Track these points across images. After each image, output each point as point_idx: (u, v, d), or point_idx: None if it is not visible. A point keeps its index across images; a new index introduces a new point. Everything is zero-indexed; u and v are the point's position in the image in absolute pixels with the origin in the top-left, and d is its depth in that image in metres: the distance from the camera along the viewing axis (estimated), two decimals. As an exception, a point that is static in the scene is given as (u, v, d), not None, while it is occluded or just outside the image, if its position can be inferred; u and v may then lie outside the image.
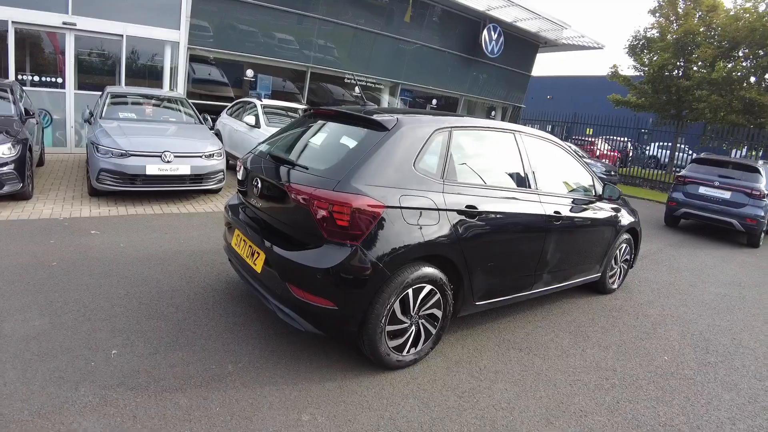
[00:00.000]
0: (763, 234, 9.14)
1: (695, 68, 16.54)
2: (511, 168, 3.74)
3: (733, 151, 16.15)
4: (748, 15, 15.28)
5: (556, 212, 3.91)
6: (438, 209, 3.00)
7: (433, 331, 3.18)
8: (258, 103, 8.46)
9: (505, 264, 3.60)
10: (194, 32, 10.06)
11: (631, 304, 4.93)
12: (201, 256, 4.63)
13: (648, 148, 20.14)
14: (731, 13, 16.00)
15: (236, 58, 11.15)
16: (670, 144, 18.99)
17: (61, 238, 4.68)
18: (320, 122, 3.61)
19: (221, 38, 10.64)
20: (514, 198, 3.59)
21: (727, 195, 9.20)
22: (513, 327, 3.99)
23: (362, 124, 3.16)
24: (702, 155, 10.56)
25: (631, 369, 3.53)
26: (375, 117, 3.09)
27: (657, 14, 17.98)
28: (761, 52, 15.38)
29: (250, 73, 11.53)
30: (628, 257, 5.37)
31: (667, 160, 18.78)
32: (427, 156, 3.08)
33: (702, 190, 9.52)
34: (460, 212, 3.12)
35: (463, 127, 3.41)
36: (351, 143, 3.09)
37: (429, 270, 2.96)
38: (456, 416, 2.71)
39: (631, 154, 20.18)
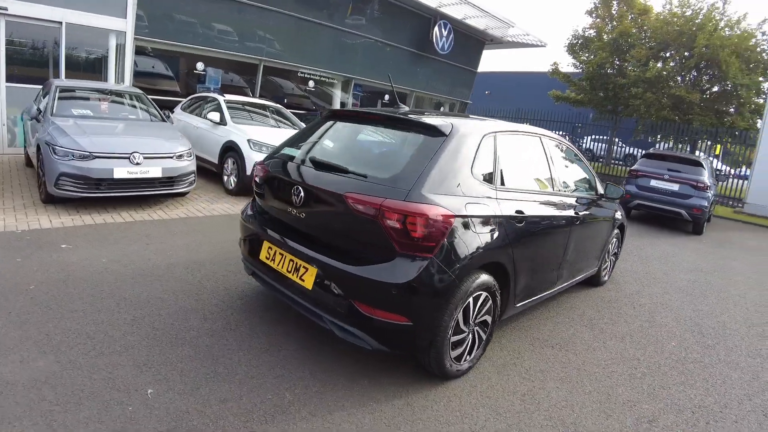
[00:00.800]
0: (705, 222, 10.06)
1: (630, 67, 17.81)
2: (542, 171, 3.84)
3: (662, 144, 17.62)
4: (676, 19, 16.70)
5: (576, 212, 4.05)
6: (495, 216, 3.00)
7: (484, 337, 3.17)
8: (221, 98, 8.00)
9: (539, 265, 3.68)
10: (141, 22, 9.29)
11: (624, 295, 5.22)
12: (198, 268, 4.28)
13: (583, 141, 21.57)
14: (661, 17, 17.44)
15: (186, 50, 10.45)
16: (603, 137, 20.49)
17: (29, 255, 4.12)
18: (359, 125, 3.50)
19: (170, 29, 9.92)
20: (549, 201, 3.71)
21: (675, 187, 9.99)
22: (536, 325, 4.10)
23: (416, 130, 3.08)
24: (651, 150, 11.38)
25: (650, 357, 3.77)
26: (430, 122, 3.02)
27: (594, 15, 19.19)
28: (686, 54, 16.89)
29: (200, 66, 10.86)
30: (617, 251, 5.69)
31: (602, 152, 20.20)
32: (481, 161, 3.06)
33: (653, 183, 10.26)
34: (511, 218, 3.14)
35: (504, 131, 3.42)
36: (409, 149, 2.98)
37: (486, 277, 2.94)
38: (528, 420, 2.73)
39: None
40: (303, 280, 2.88)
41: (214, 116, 7.57)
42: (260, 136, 7.19)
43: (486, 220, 2.92)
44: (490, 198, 3.01)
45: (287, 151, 3.49)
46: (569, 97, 20.44)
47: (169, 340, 3.06)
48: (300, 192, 2.97)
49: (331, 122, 3.58)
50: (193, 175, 6.26)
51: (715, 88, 17.42)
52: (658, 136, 17.27)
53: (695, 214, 9.81)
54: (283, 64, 12.27)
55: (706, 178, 9.98)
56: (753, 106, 16.14)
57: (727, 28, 15.97)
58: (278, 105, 9.29)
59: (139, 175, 5.55)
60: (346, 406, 2.63)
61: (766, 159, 13.16)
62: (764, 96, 16.35)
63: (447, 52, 15.96)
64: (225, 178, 7.46)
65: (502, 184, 3.19)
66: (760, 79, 16.31)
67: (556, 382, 3.19)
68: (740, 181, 14.98)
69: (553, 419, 2.77)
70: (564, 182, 4.12)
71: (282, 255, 3.06)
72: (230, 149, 7.32)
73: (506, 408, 2.82)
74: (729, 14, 16.75)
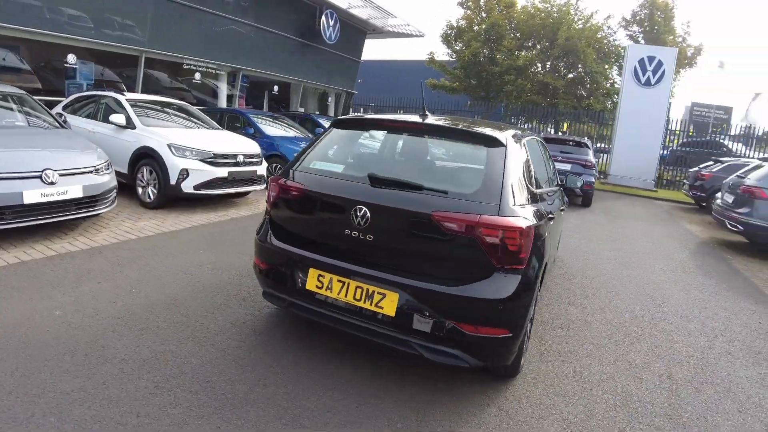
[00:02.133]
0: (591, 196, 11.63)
1: (501, 56, 19.56)
2: (543, 169, 4.17)
3: (526, 125, 19.81)
4: (539, 13, 18.79)
5: (561, 203, 4.47)
6: (546, 218, 3.21)
7: (530, 330, 3.36)
8: (122, 98, 6.96)
9: (549, 257, 3.98)
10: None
11: (576, 270, 5.87)
12: (182, 304, 3.72)
13: None
14: (527, 10, 19.45)
15: (51, 39, 8.80)
16: None
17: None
18: (401, 136, 3.42)
19: (31, 13, 8.27)
20: (554, 196, 4.03)
21: (568, 167, 11.32)
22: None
23: (472, 140, 3.15)
24: (542, 135, 12.68)
25: (631, 322, 4.40)
26: (488, 132, 3.08)
27: (464, 7, 20.64)
28: (547, 43, 19.09)
29: (72, 58, 9.25)
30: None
31: None
32: (528, 168, 3.25)
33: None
34: (548, 219, 3.37)
35: (524, 136, 3.62)
36: (475, 161, 3.06)
37: None
38: (591, 396, 3.02)
39: None
40: (381, 307, 2.71)
41: (118, 119, 6.57)
42: (182, 140, 6.45)
43: (545, 224, 3.12)
44: (537, 202, 3.20)
45: (322, 165, 3.23)
46: (445, 85, 21.82)
47: (236, 412, 2.55)
48: (365, 212, 2.76)
49: (360, 131, 3.48)
50: (114, 191, 5.40)
51: (571, 75, 20.01)
52: (522, 118, 19.36)
53: (586, 189, 11.26)
54: (167, 55, 11.07)
55: (591, 157, 11.50)
56: (604, 90, 18.94)
57: (581, 22, 18.47)
58: (184, 102, 8.40)
59: (56, 197, 4.61)
60: (453, 426, 2.60)
61: (622, 137, 15.53)
62: (611, 81, 19.31)
63: (334, 42, 15.86)
64: (140, 190, 6.56)
65: (538, 187, 3.42)
66: (605, 66, 19.15)
67: (586, 359, 3.56)
68: (603, 156, 17.56)
69: (608, 391, 3.11)
70: (551, 177, 4.51)
71: (343, 282, 2.82)
72: (145, 156, 6.44)
73: (569, 390, 3.09)
74: (581, 9, 19.38)
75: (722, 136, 18.93)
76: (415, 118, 3.34)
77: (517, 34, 19.44)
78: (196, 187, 6.38)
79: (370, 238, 2.78)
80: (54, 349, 2.93)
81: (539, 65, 19.98)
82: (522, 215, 2.73)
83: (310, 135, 10.39)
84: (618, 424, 2.79)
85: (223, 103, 13.20)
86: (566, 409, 2.87)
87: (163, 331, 3.27)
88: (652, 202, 13.79)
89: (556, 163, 11.11)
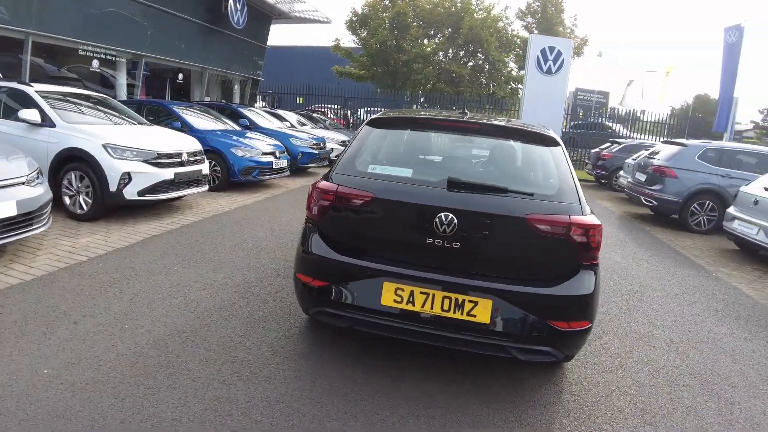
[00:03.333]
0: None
1: (408, 45, 19.79)
2: None
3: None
4: (444, 2, 19.25)
5: None
6: None
7: None
8: (29, 89, 5.79)
9: None
10: None
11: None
12: (201, 339, 3.19)
13: (358, 114, 23.40)
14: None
15: None
16: (376, 109, 22.65)
17: None
18: (455, 135, 3.39)
19: None
20: None
21: (492, 152, 11.85)
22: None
23: (531, 140, 3.19)
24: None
25: (625, 301, 4.72)
26: (543, 132, 3.19)
27: (368, -7, 20.47)
28: (449, 32, 19.68)
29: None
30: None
31: None
32: None
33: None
34: None
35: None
36: (543, 161, 3.12)
37: None
38: (636, 371, 3.20)
39: (351, 120, 22.91)
40: (474, 316, 2.63)
41: (30, 115, 5.46)
42: (120, 139, 5.57)
43: None
44: None
45: (383, 169, 3.02)
46: (352, 72, 21.64)
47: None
48: (452, 219, 2.63)
49: (402, 130, 3.33)
50: (50, 204, 4.51)
51: (471, 63, 20.91)
52: (425, 105, 19.89)
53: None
54: (59, 39, 9.48)
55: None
56: (504, 78, 20.06)
57: (482, 12, 19.29)
58: (103, 95, 7.27)
59: (-15, 218, 3.73)
60: (550, 416, 2.61)
61: (527, 121, 16.55)
62: (509, 69, 20.50)
63: (242, 27, 14.85)
64: (67, 199, 5.57)
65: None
66: (503, 54, 20.28)
67: (603, 334, 3.84)
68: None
69: (638, 361, 3.48)
70: None
71: (427, 294, 2.66)
72: (72, 159, 5.47)
73: (609, 366, 3.38)
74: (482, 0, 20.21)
75: (602, 119, 21.08)
76: (459, 116, 3.26)
77: (422, 23, 19.80)
78: (140, 193, 5.57)
79: (456, 245, 2.68)
80: (73, 422, 2.31)
81: (444, 53, 20.57)
82: (592, 213, 2.85)
83: (236, 127, 9.65)
84: (663, 389, 3.12)
85: (122, 95, 11.73)
86: (620, 384, 3.11)
87: (195, 372, 2.78)
88: (559, 182, 15.02)
89: (482, 149, 11.73)
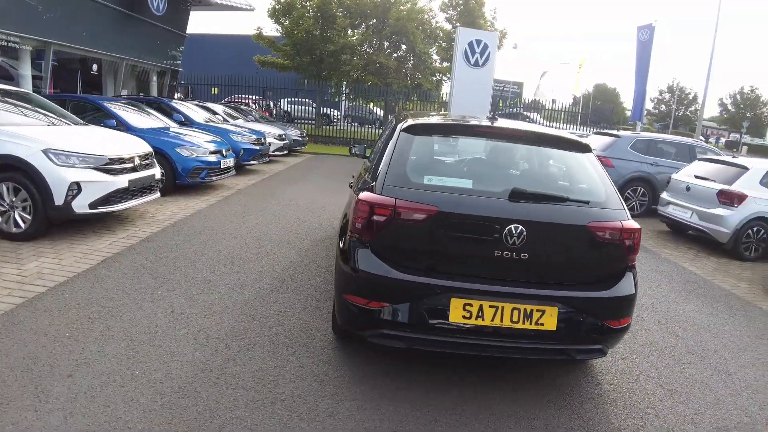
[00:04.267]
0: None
1: (334, 35, 19.24)
2: None
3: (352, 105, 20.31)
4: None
5: None
6: None
7: None
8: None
9: None
10: None
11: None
12: (241, 379, 2.80)
13: (279, 103, 22.57)
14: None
15: None
16: (305, 99, 21.97)
17: None
18: (493, 142, 3.24)
19: None
20: None
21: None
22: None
23: (567, 146, 3.19)
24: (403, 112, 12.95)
25: None
26: (577, 138, 3.23)
27: (292, -18, 19.53)
28: (375, 23, 19.41)
29: None
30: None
31: (303, 114, 21.56)
32: None
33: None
34: None
35: None
36: (586, 168, 3.11)
37: None
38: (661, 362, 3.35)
39: (274, 111, 22.04)
40: (542, 324, 2.64)
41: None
42: (62, 143, 4.74)
43: None
44: None
45: (440, 181, 2.87)
46: (275, 62, 20.71)
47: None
48: (521, 230, 2.60)
49: (440, 137, 3.25)
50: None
51: (395, 54, 20.84)
52: (351, 96, 19.62)
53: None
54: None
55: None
56: (430, 70, 20.21)
57: (408, 3, 19.19)
58: (25, 90, 6.16)
59: None
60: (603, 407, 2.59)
61: (456, 113, 16.81)
62: (433, 61, 20.70)
63: (162, 14, 13.54)
64: (-1, 217, 4.67)
65: None
66: (427, 46, 20.44)
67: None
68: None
69: (645, 344, 3.76)
70: None
71: (496, 307, 2.60)
72: (4, 169, 4.57)
73: (626, 352, 3.59)
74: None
75: (517, 109, 22.11)
76: (492, 122, 3.17)
77: (348, 13, 19.32)
78: (92, 205, 4.80)
79: (525, 256, 2.66)
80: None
81: (371, 44, 20.29)
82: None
83: (172, 123, 8.75)
84: (675, 368, 3.43)
85: (27, 89, 10.17)
86: (641, 368, 3.37)
87: (249, 420, 2.39)
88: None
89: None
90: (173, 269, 4.34)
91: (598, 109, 26.12)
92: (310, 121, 21.72)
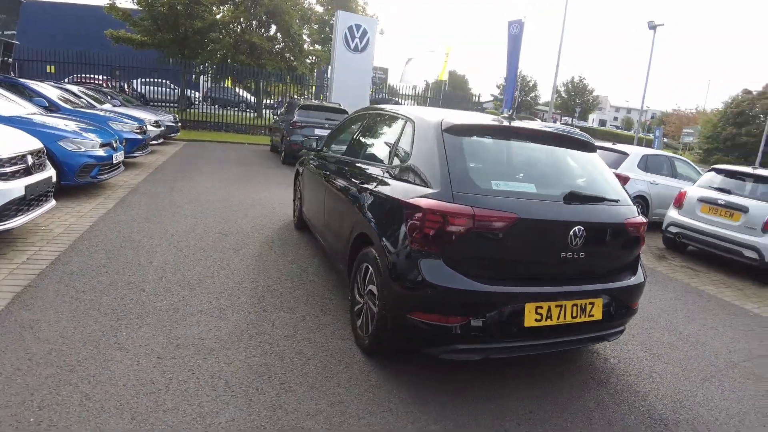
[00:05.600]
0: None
1: (202, 11, 17.20)
2: None
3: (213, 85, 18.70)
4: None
5: None
6: None
7: None
8: None
9: None
10: None
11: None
12: None
13: (133, 84, 19.78)
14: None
15: None
16: (162, 80, 19.47)
17: None
18: (525, 143, 3.18)
19: None
20: None
21: (332, 131, 11.47)
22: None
23: (582, 147, 3.27)
24: (303, 102, 12.18)
25: None
26: (586, 138, 3.34)
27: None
28: (248, 1, 17.85)
29: None
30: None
31: (161, 95, 19.05)
32: None
33: (317, 131, 11.33)
34: None
35: None
36: (598, 167, 3.24)
37: None
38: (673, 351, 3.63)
39: (128, 92, 19.27)
40: (592, 315, 2.81)
41: None
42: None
43: None
44: None
45: (507, 185, 2.75)
46: (132, 38, 17.90)
47: None
48: (582, 231, 2.72)
49: (489, 139, 3.04)
50: None
51: (266, 35, 19.52)
52: (218, 77, 18.02)
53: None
54: None
55: (349, 120, 11.94)
56: (306, 53, 19.32)
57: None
58: None
59: None
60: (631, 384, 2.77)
61: (336, 98, 16.34)
62: (307, 44, 19.83)
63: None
64: None
65: None
66: (300, 28, 19.54)
67: None
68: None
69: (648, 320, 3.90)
70: None
71: (560, 306, 2.70)
72: None
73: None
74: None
75: (383, 95, 22.48)
76: (530, 124, 3.24)
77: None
78: (-20, 224, 3.55)
79: (582, 255, 2.78)
80: None
81: (243, 24, 18.61)
82: None
83: (34, 108, 6.93)
84: (656, 336, 3.72)
85: None
86: (633, 342, 3.78)
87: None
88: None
89: (324, 131, 11.21)
90: (120, 299, 3.43)
91: (448, 95, 27.92)
92: (170, 105, 19.32)
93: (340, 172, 4.02)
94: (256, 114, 19.37)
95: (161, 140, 11.88)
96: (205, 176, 8.74)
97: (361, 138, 4.13)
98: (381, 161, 3.50)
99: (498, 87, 61.59)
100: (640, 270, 3.17)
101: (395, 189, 2.91)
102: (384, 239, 2.81)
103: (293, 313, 3.52)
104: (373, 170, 3.40)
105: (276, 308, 3.56)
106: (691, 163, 9.04)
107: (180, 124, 14.24)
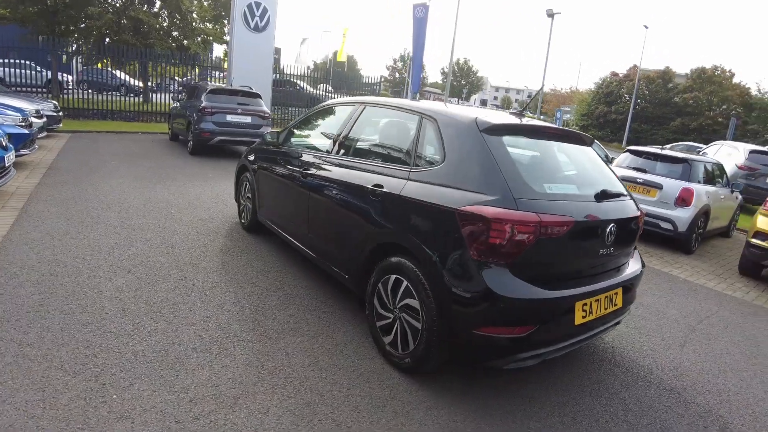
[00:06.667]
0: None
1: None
2: None
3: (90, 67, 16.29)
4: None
5: None
6: None
7: None
8: None
9: None
10: None
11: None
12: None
13: None
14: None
15: None
16: (15, 61, 16.33)
17: None
18: (552, 143, 3.11)
19: None
20: None
21: (248, 119, 10.57)
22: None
23: (575, 140, 3.21)
24: (214, 86, 10.90)
25: None
26: (579, 132, 3.29)
27: None
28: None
29: None
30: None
31: (13, 78, 15.99)
32: None
33: (229, 118, 10.33)
34: None
35: None
36: (599, 162, 3.28)
37: None
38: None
39: None
40: (616, 304, 2.90)
41: None
42: None
43: None
44: None
45: (557, 188, 2.70)
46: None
47: None
48: (615, 228, 2.78)
49: (522, 138, 2.92)
50: None
51: (153, 10, 17.22)
52: (94, 55, 15.67)
53: (265, 139, 10.91)
54: None
55: (266, 107, 11.06)
56: (199, 32, 17.37)
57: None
58: None
59: None
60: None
61: (238, 79, 14.96)
62: (197, 20, 17.85)
63: None
64: None
65: None
66: (190, 4, 17.53)
67: None
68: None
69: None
70: None
71: (598, 300, 2.73)
72: None
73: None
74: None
75: (276, 75, 21.27)
76: (521, 119, 3.14)
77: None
78: None
79: (612, 250, 2.83)
80: None
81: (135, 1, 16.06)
82: None
83: None
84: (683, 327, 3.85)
85: None
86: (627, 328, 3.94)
87: None
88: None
89: (237, 117, 10.27)
90: (84, 347, 2.69)
91: (338, 75, 27.38)
92: (37, 90, 16.25)
93: (333, 173, 3.54)
94: (143, 99, 17.16)
95: (45, 133, 9.93)
96: (112, 175, 7.46)
97: (355, 136, 3.65)
98: (397, 163, 3.09)
99: (387, 68, 62.07)
100: (639, 258, 3.33)
101: (435, 195, 2.62)
102: (431, 250, 2.54)
103: (301, 335, 3.09)
104: (390, 173, 3.02)
105: (278, 332, 3.09)
106: (598, 143, 9.87)
107: (62, 113, 12.05)
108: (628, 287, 3.01)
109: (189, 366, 2.61)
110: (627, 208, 3.01)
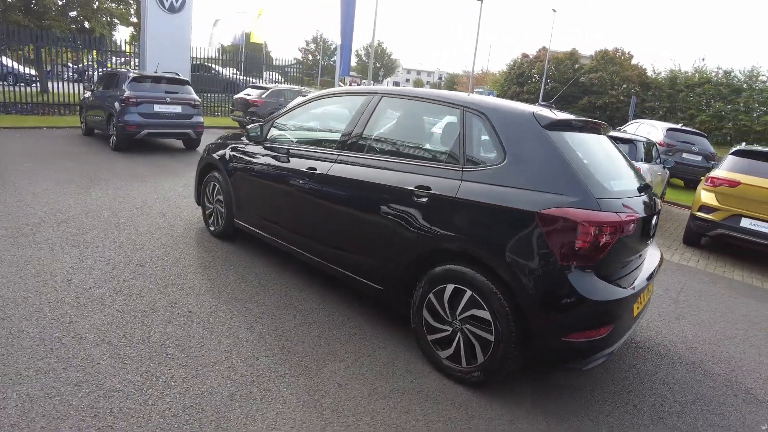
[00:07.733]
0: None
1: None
2: None
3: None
4: None
5: None
6: None
7: None
8: None
9: None
10: None
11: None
12: None
13: None
14: None
15: None
16: None
17: None
18: (592, 136, 2.95)
19: None
20: None
21: (179, 109, 9.45)
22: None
23: (603, 131, 3.13)
24: (137, 74, 9.50)
25: None
26: (604, 122, 3.21)
27: None
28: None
29: None
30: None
31: None
32: None
33: (157, 108, 9.17)
34: None
35: None
36: (614, 150, 3.17)
37: None
38: None
39: None
40: (650, 291, 2.96)
41: None
42: None
43: None
44: None
45: (617, 185, 2.63)
46: None
47: None
48: (656, 220, 2.85)
49: (576, 133, 2.72)
50: None
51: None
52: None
53: (199, 131, 9.88)
54: None
55: (195, 95, 9.94)
56: (103, 12, 15.13)
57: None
58: None
59: None
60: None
61: (152, 63, 13.34)
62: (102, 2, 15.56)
63: None
64: None
65: None
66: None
67: None
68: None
69: None
70: None
71: (646, 291, 2.77)
72: None
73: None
74: None
75: (202, 59, 19.52)
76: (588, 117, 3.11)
77: None
78: None
79: (650, 242, 2.92)
80: None
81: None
82: None
83: None
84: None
85: None
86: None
87: None
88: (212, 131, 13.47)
89: (167, 107, 9.13)
90: (92, 418, 2.08)
91: (250, 57, 25.86)
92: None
93: (350, 173, 3.08)
94: (40, 89, 14.75)
95: None
96: (32, 179, 6.22)
97: (374, 130, 3.15)
98: (441, 162, 2.74)
99: (300, 50, 59.80)
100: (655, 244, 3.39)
101: (503, 196, 2.35)
102: (505, 257, 2.30)
103: (342, 359, 2.70)
104: (434, 173, 2.67)
105: (316, 360, 2.67)
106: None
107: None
108: (654, 274, 3.03)
109: (237, 420, 2.13)
110: (656, 198, 2.99)
